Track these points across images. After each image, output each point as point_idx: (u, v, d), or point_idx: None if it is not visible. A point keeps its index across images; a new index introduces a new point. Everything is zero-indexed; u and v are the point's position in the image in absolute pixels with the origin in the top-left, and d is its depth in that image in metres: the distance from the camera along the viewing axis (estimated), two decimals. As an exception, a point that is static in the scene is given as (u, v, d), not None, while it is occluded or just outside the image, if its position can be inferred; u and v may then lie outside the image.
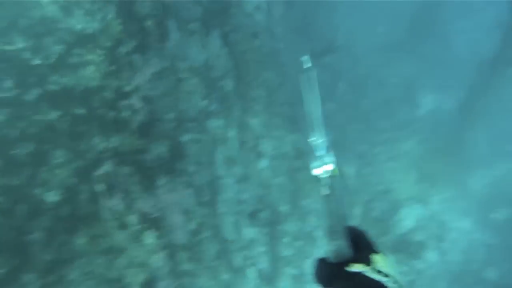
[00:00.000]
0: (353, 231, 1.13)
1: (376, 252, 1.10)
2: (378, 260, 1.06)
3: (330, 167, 1.10)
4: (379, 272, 1.02)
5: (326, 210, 1.10)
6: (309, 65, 1.17)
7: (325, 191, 1.09)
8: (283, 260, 8.82)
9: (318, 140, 1.12)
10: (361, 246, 1.10)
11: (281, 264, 8.80)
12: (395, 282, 1.01)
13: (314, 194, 9.64)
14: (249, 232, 7.94)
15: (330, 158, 1.11)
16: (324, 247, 1.11)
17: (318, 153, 1.12)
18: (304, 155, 9.48)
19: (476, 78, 13.74)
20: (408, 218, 10.89)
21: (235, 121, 8.22)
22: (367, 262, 1.04)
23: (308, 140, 1.13)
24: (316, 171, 1.12)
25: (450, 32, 16.44)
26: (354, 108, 13.50)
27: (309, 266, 9.22)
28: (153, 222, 6.26)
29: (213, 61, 8.20)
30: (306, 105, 1.15)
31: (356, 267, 1.03)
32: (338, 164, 1.11)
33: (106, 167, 6.33)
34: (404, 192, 11.43)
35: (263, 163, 8.49)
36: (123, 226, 6.38)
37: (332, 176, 1.10)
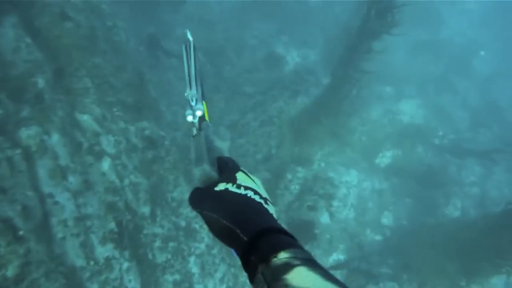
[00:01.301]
0: (219, 159, 1.32)
1: (239, 171, 1.26)
2: (241, 177, 1.23)
3: (199, 113, 1.33)
4: (242, 186, 1.19)
5: (194, 146, 1.29)
6: (190, 37, 1.43)
7: (194, 132, 1.34)
8: (159, 268, 7.60)
9: (192, 93, 1.33)
10: (226, 169, 1.27)
11: (158, 274, 7.58)
12: (256, 193, 1.18)
13: (181, 183, 8.48)
14: (104, 250, 6.58)
15: (200, 106, 1.33)
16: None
17: (192, 103, 1.34)
18: (157, 142, 8.21)
19: (332, 28, 13.31)
20: (293, 184, 10.12)
21: (57, 124, 6.70)
22: (232, 181, 1.21)
23: (185, 94, 1.32)
24: (189, 118, 1.34)
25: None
26: (217, 77, 12.43)
27: (192, 265, 8.12)
28: None
29: (10, 56, 6.57)
30: (185, 66, 1.36)
31: (221, 186, 1.19)
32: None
33: None
34: (284, 156, 10.63)
35: (106, 164, 7.09)
36: None
37: (201, 120, 1.34)
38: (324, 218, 9.49)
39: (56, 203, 6.19)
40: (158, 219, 7.70)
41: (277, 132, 10.86)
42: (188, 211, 8.44)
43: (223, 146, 10.76)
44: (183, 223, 8.25)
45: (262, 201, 1.16)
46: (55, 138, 6.55)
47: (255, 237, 1.03)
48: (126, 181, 7.36)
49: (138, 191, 7.47)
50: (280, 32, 14.07)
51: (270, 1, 14.35)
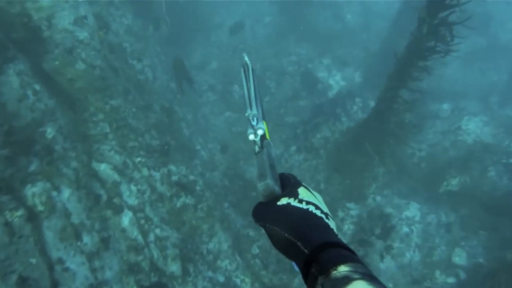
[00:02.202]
0: (282, 175, 1.33)
1: (300, 187, 1.27)
2: (303, 192, 1.24)
3: (261, 131, 1.35)
4: (304, 201, 1.19)
5: (257, 162, 1.30)
6: (247, 60, 1.48)
7: (256, 149, 1.35)
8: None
9: (252, 113, 1.36)
10: (288, 185, 1.27)
11: None
12: (317, 208, 1.18)
13: (218, 232, 7.50)
14: (126, 321, 5.65)
15: (261, 125, 1.36)
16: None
17: (253, 123, 1.37)
18: (187, 188, 7.30)
19: (375, 46, 12.22)
20: (346, 223, 8.91)
21: (69, 176, 5.94)
22: (294, 196, 1.21)
23: (246, 114, 1.35)
24: (250, 136, 1.36)
25: (338, 3, 14.83)
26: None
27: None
28: None
29: (14, 106, 5.92)
30: (244, 87, 1.42)
31: (284, 200, 1.20)
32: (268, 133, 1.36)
33: None
34: (334, 191, 9.46)
35: (126, 219, 6.23)
36: None
37: (263, 138, 1.37)
38: (385, 263, 8.19)
39: (66, 269, 5.35)
40: (190, 277, 6.71)
41: (325, 165, 9.74)
42: (227, 264, 7.43)
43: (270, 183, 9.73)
44: (221, 278, 7.23)
45: (323, 216, 1.16)
46: (66, 194, 5.77)
47: (316, 250, 1.02)
48: (151, 237, 6.44)
49: (166, 247, 6.53)
50: (321, 55, 13.08)
51: (307, 24, 13.47)
